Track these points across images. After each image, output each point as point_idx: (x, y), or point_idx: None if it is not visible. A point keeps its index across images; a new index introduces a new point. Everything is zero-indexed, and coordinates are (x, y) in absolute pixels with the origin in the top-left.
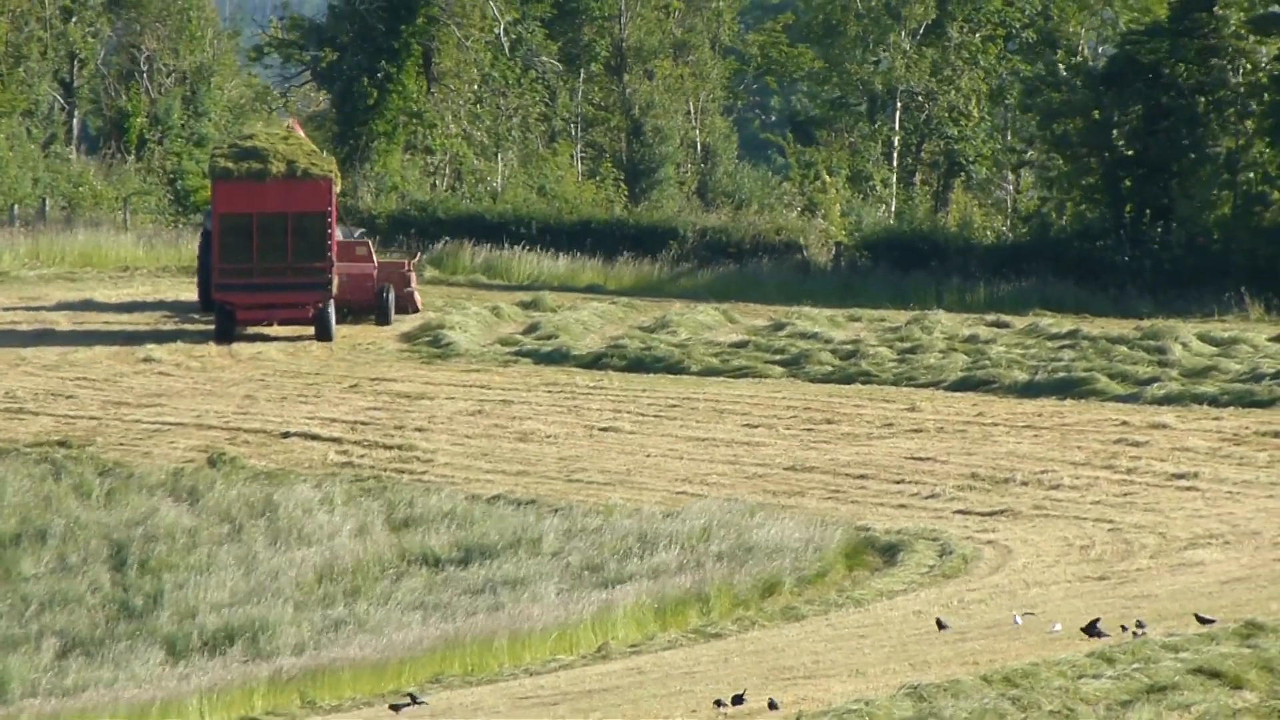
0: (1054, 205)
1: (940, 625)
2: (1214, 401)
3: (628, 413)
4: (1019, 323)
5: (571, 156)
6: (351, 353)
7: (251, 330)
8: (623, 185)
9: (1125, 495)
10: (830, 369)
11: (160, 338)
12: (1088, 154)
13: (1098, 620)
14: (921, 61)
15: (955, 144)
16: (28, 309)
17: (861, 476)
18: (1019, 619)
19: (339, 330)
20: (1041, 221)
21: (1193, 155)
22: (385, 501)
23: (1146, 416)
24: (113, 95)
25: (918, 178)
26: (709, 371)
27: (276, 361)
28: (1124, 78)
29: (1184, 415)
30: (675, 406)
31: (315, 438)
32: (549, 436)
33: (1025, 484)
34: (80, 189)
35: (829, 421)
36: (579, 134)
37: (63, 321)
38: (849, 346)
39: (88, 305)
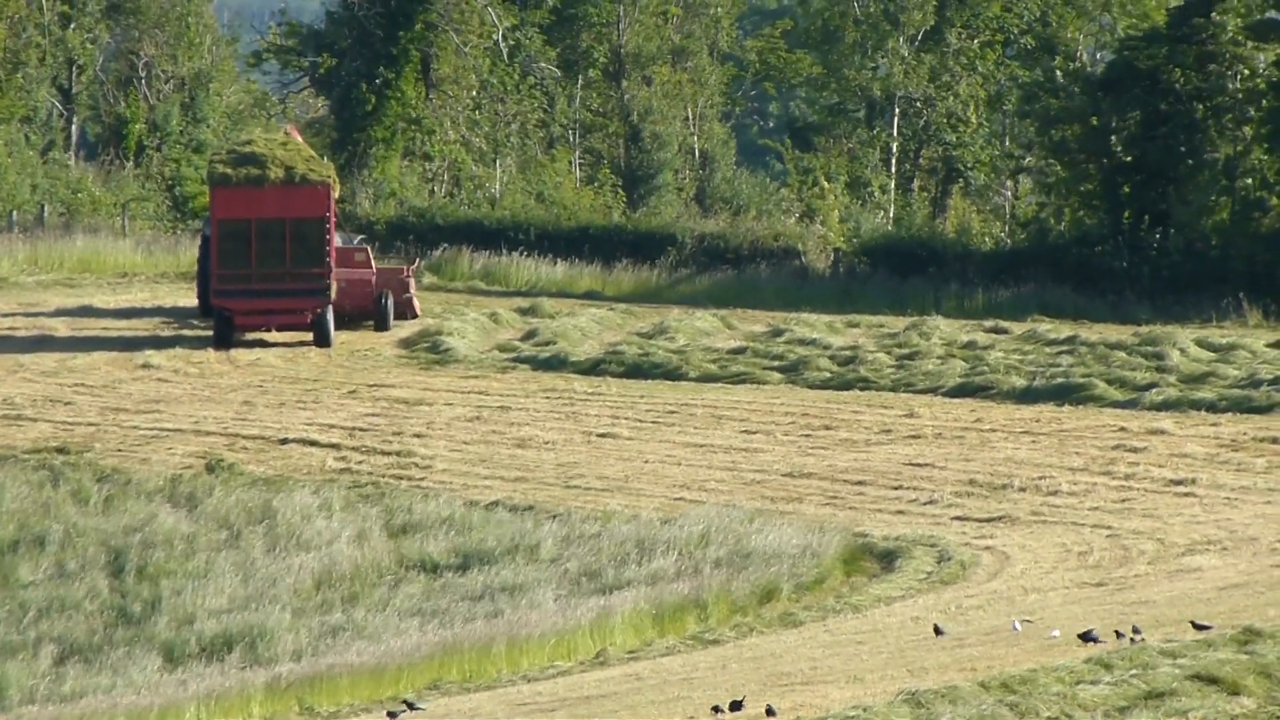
0: (1052, 211)
1: (938, 631)
2: (1212, 407)
3: (626, 419)
4: (1017, 329)
5: (570, 162)
6: (350, 359)
7: (250, 336)
8: (621, 191)
9: (1123, 501)
10: (828, 375)
11: (159, 344)
12: (1086, 160)
13: (1092, 630)
14: (920, 67)
15: (954, 150)
16: (26, 315)
17: (859, 483)
18: (1018, 625)
19: (337, 336)
20: (1040, 227)
21: (1191, 161)
22: (383, 508)
23: (1144, 422)
24: (111, 101)
25: (916, 184)
26: (707, 378)
27: (275, 367)
28: (1122, 84)
29: (1182, 421)
30: (673, 413)
31: (314, 444)
32: (547, 443)
33: (1023, 490)
34: (79, 195)
35: (827, 428)
36: (577, 140)
37: (61, 328)
38: (847, 353)
39: (86, 311)
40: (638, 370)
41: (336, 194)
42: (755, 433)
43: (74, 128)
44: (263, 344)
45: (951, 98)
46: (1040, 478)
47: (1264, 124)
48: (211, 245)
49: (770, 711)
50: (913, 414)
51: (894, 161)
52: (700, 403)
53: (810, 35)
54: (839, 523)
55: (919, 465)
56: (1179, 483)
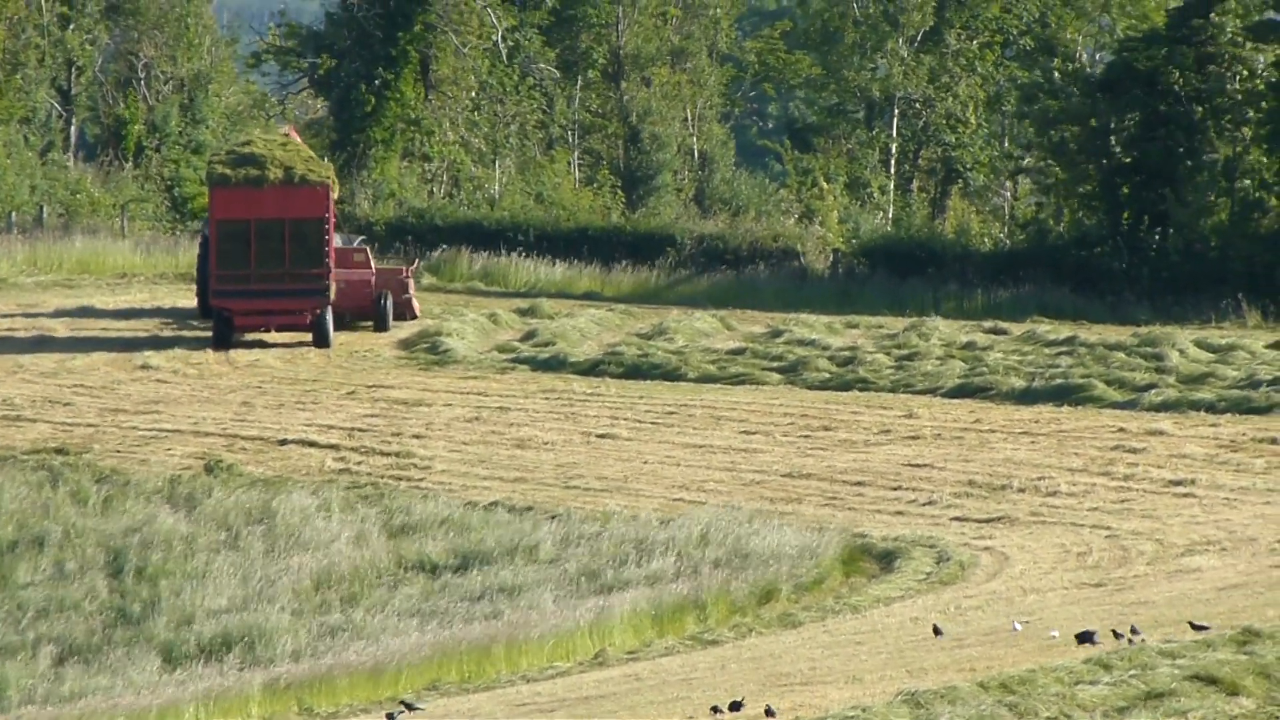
0: (1051, 212)
1: (937, 632)
2: (1211, 408)
3: (625, 419)
4: (1016, 329)
5: (569, 163)
6: (349, 359)
7: (249, 337)
8: (620, 192)
9: (1122, 502)
10: (827, 376)
11: (158, 344)
12: (1085, 161)
13: (1095, 632)
14: (919, 68)
15: (953, 151)
16: (25, 316)
17: (859, 483)
18: (1017, 626)
19: (337, 337)
20: (1039, 228)
21: (1190, 162)
22: (383, 508)
23: (1144, 423)
24: (110, 102)
25: (915, 185)
26: (706, 378)
27: (274, 368)
28: (1121, 85)
29: (1181, 422)
30: (672, 413)
31: (313, 445)
32: (546, 443)
33: (1022, 491)
34: (78, 196)
35: (826, 428)
36: (576, 141)
37: (60, 329)
38: (846, 353)
39: (85, 312)
40: (637, 371)
41: (335, 195)
42: (754, 433)
43: (73, 129)
44: (262, 345)
45: (951, 99)
46: (1039, 478)
47: (1263, 125)
48: (210, 246)
49: (769, 712)
50: (912, 415)
51: (893, 162)
52: (699, 403)
53: (809, 36)
54: (838, 523)
55: (918, 466)
56: (1178, 483)
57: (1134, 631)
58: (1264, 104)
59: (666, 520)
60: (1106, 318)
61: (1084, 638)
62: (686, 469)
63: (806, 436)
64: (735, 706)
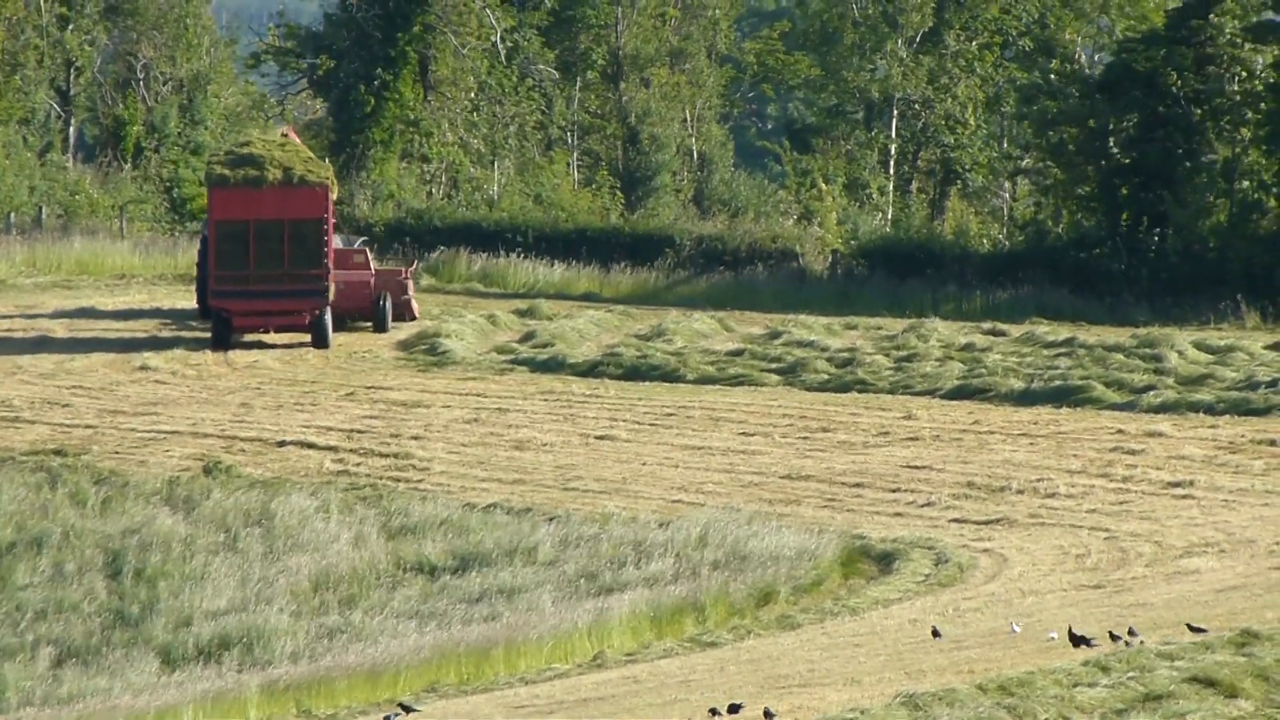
0: (1050, 213)
1: (935, 634)
2: (1210, 410)
3: (624, 421)
4: (1015, 331)
5: (568, 164)
6: (348, 361)
7: (248, 338)
8: (619, 193)
9: (1121, 503)
10: (826, 377)
11: (156, 346)
12: (1084, 162)
13: (1085, 635)
14: (918, 69)
15: (952, 152)
16: (24, 317)
17: (857, 485)
18: (1016, 627)
19: (335, 338)
20: (1038, 229)
21: (1189, 163)
22: (381, 510)
23: (1142, 425)
24: (109, 103)
25: (914, 186)
26: (705, 380)
27: (273, 369)
28: (1120, 86)
29: (1180, 423)
30: (671, 415)
31: (311, 446)
32: (545, 445)
33: (1021, 492)
34: (77, 197)
35: (825, 430)
36: (575, 142)
37: (59, 330)
38: (845, 355)
39: (84, 313)
40: (635, 372)
41: (335, 195)
42: (753, 435)
43: (72, 129)
44: (261, 346)
45: (950, 99)
46: (1038, 480)
47: (1262, 126)
48: (209, 246)
49: (768, 714)
50: (911, 416)
51: (892, 163)
52: (698, 405)
53: (808, 37)
54: (837, 525)
55: (917, 467)
56: (1177, 485)
57: (1132, 633)
58: (1263, 105)
59: (665, 522)
60: (1105, 319)
61: (1077, 640)
62: (685, 470)
63: (805, 438)
64: (734, 709)
